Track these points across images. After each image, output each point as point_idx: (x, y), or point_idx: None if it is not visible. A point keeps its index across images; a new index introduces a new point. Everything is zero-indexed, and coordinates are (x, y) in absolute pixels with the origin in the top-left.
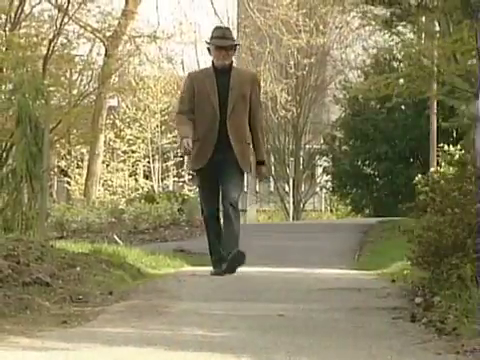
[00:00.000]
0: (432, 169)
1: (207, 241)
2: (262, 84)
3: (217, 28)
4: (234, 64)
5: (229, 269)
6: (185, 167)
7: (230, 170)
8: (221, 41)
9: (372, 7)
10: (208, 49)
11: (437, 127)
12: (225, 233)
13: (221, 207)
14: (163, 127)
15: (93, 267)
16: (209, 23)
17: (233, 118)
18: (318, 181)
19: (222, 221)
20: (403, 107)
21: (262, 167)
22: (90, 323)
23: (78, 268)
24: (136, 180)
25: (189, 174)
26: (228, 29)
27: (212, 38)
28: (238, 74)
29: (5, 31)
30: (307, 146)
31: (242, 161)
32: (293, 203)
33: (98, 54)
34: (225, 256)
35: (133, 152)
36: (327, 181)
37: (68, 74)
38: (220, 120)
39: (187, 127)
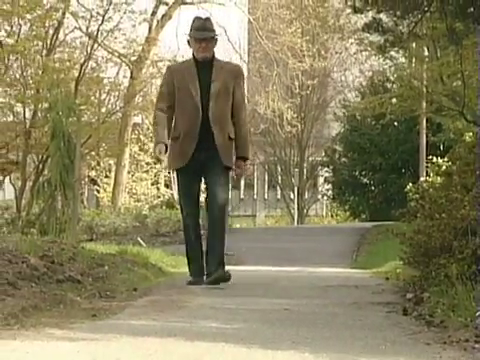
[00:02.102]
0: (422, 179)
1: (185, 245)
2: (270, 103)
3: (197, 18)
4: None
5: (212, 283)
6: (163, 166)
7: (215, 169)
8: (200, 33)
9: (368, 34)
10: (188, 41)
11: (426, 141)
12: (211, 243)
13: (207, 209)
14: None
15: (119, 266)
16: (222, 49)
17: (215, 112)
18: (320, 189)
19: (207, 225)
20: (396, 123)
21: (241, 162)
22: (117, 316)
23: (106, 267)
24: (158, 188)
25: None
26: (208, 19)
27: (191, 29)
28: (221, 66)
29: (42, 56)
30: (310, 158)
31: (225, 157)
32: (297, 209)
33: (124, 76)
34: (209, 270)
35: (155, 163)
36: (328, 189)
37: (97, 94)
38: (202, 114)
39: (163, 130)
